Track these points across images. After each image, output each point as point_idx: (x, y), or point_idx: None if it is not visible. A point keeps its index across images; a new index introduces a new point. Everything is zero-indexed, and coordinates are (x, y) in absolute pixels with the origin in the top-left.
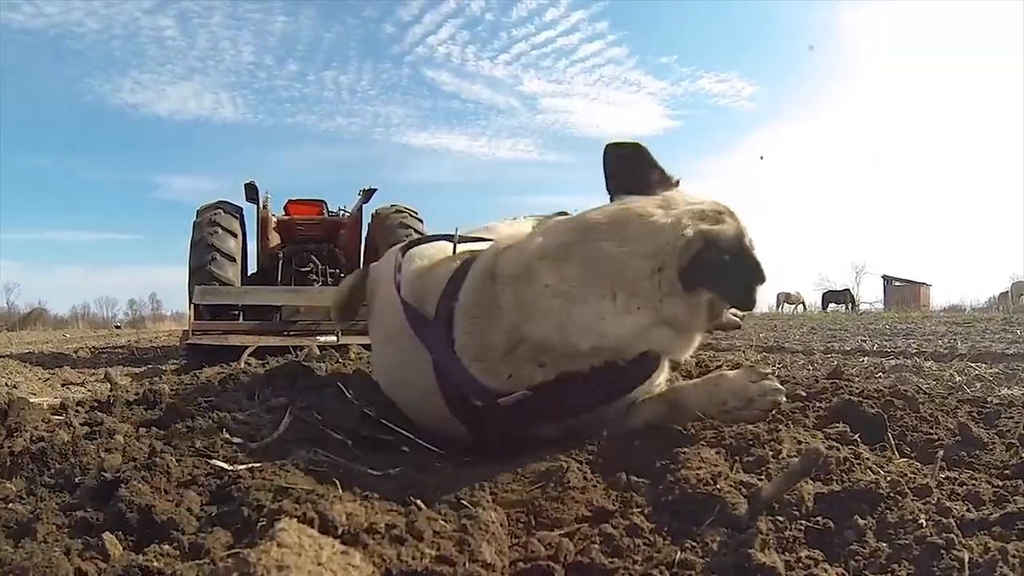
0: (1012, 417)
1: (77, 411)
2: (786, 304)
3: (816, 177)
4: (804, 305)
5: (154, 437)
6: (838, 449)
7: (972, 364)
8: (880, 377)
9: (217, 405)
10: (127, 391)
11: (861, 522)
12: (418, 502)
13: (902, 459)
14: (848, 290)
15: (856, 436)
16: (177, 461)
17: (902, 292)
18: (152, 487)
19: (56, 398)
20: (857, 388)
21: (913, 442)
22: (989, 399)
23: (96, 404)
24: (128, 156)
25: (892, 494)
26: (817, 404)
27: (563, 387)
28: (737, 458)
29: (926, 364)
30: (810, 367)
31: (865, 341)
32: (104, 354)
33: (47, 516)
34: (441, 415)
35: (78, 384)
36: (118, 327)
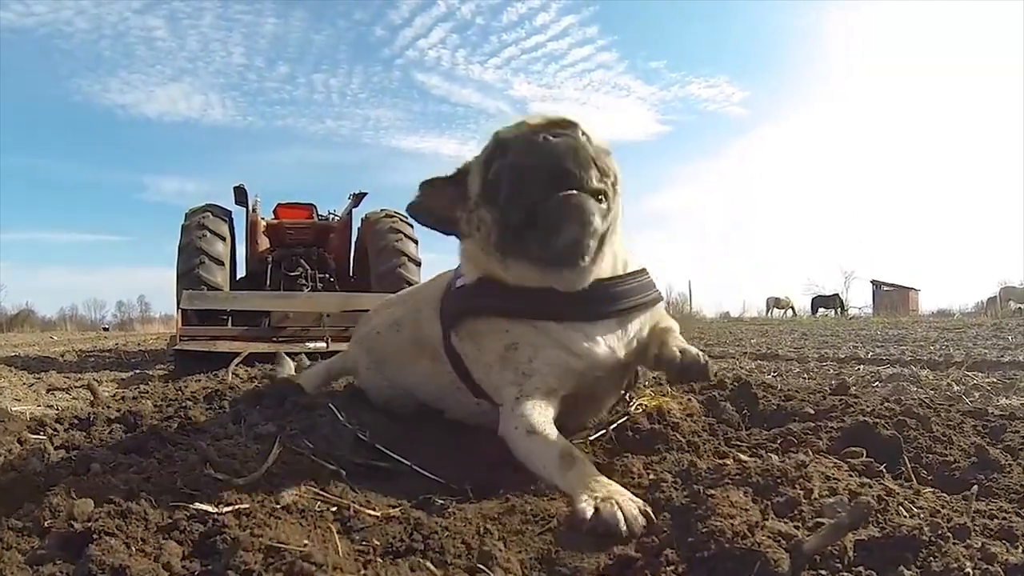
0: (1018, 431)
1: (55, 430)
2: (775, 309)
3: (805, 181)
4: (794, 310)
5: (132, 470)
6: (869, 486)
7: (969, 373)
8: (877, 387)
9: (202, 428)
10: (108, 406)
11: (907, 573)
12: (430, 567)
13: (928, 489)
14: (837, 295)
15: (882, 467)
16: (155, 503)
17: (891, 297)
18: (127, 538)
19: (39, 406)
20: (867, 406)
21: (929, 464)
22: (990, 410)
23: (76, 421)
24: (117, 157)
25: (933, 538)
26: (828, 424)
27: None
28: (767, 501)
29: (922, 373)
30: (806, 376)
31: (858, 348)
32: (91, 358)
33: (11, 570)
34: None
35: (63, 390)
36: (106, 329)
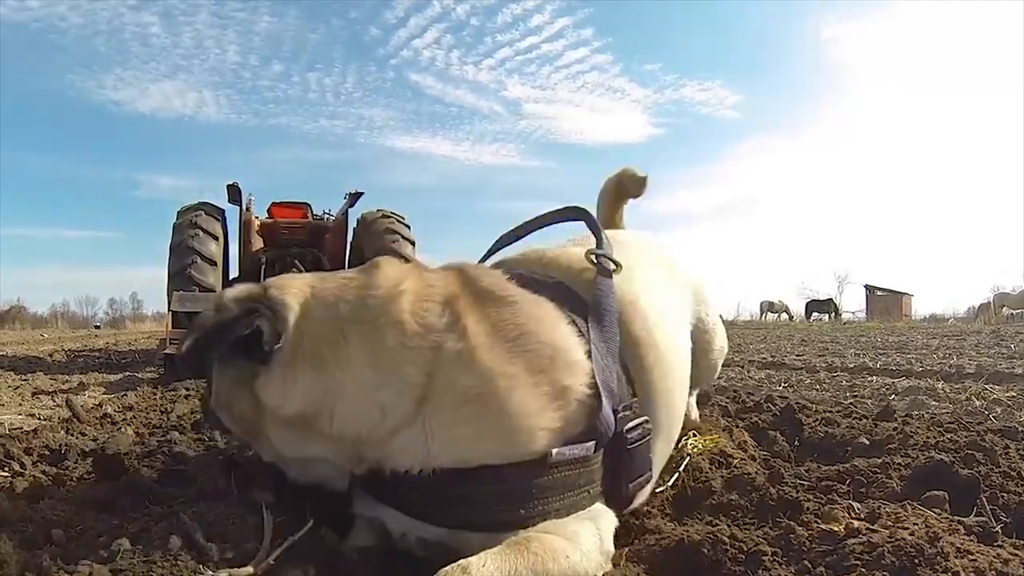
0: None
1: (23, 465)
2: (769, 312)
3: (798, 185)
4: (789, 314)
5: (100, 546)
6: (1005, 560)
7: (987, 387)
8: (894, 400)
9: (189, 477)
10: (84, 433)
11: None
12: None
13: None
14: (831, 299)
15: (998, 528)
16: None
17: (884, 302)
18: None
19: (21, 414)
20: (927, 436)
21: (1006, 505)
22: (1019, 428)
23: (47, 453)
24: (110, 153)
25: None
26: (894, 460)
27: None
28: None
29: (938, 385)
30: (817, 387)
31: (862, 356)
32: (80, 358)
33: None
34: None
35: (49, 394)
36: (97, 327)
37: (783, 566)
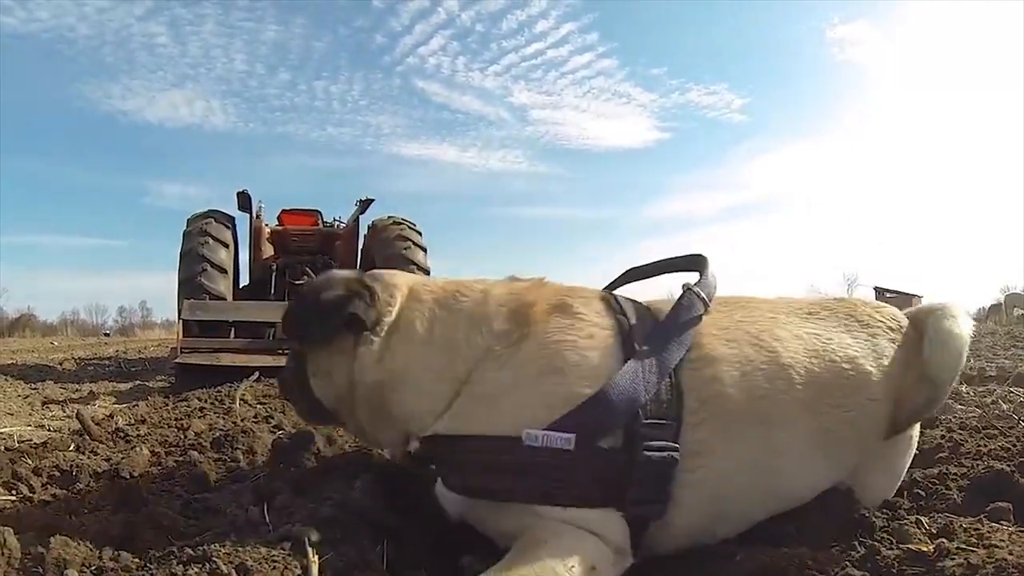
0: None
1: (31, 487)
2: None
3: (805, 187)
4: None
5: None
6: None
7: (1012, 389)
8: None
9: (212, 508)
10: (95, 452)
11: None
12: None
13: None
14: None
15: None
16: None
17: (894, 303)
18: None
19: (30, 425)
20: (980, 446)
21: None
22: None
23: (58, 474)
24: (119, 162)
25: None
26: (949, 470)
27: None
28: None
29: (961, 388)
30: None
31: None
32: (90, 366)
33: None
34: None
35: (59, 403)
36: (107, 335)
37: None
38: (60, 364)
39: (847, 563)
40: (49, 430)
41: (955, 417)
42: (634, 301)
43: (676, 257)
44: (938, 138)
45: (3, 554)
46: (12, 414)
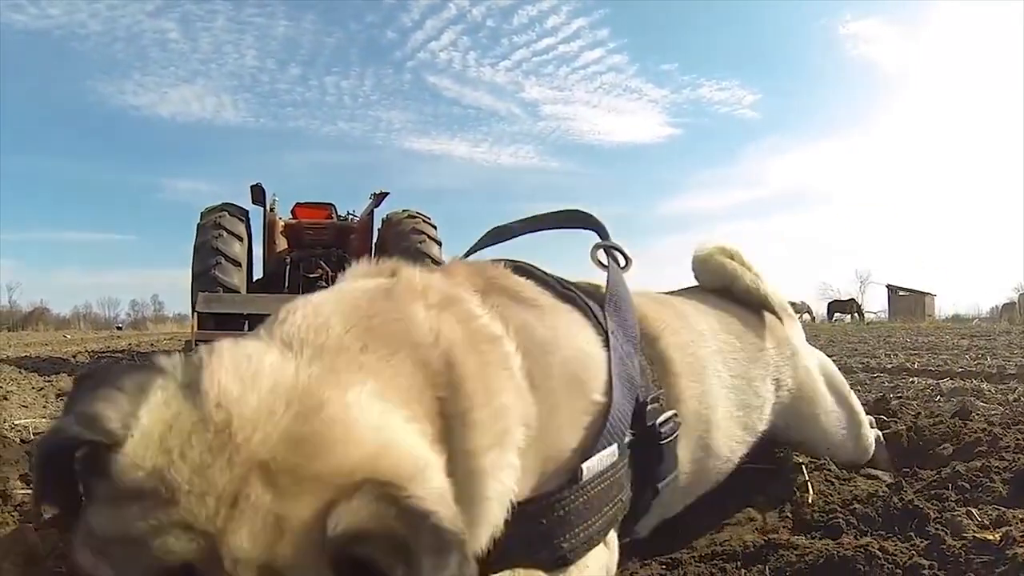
0: None
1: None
2: None
3: (817, 184)
4: (811, 315)
5: None
6: None
7: None
8: (940, 401)
9: None
10: None
11: None
12: None
13: None
14: (854, 300)
15: None
16: None
17: (907, 302)
18: None
19: (45, 418)
20: (1020, 440)
21: None
22: None
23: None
24: (131, 158)
25: None
26: (991, 463)
27: None
28: None
29: (983, 386)
30: (859, 388)
31: (892, 356)
32: (104, 359)
33: None
34: None
35: None
36: (119, 328)
37: None
38: (74, 357)
39: (913, 553)
40: None
41: (979, 414)
42: (546, 273)
43: (552, 212)
44: (953, 135)
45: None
46: (26, 406)
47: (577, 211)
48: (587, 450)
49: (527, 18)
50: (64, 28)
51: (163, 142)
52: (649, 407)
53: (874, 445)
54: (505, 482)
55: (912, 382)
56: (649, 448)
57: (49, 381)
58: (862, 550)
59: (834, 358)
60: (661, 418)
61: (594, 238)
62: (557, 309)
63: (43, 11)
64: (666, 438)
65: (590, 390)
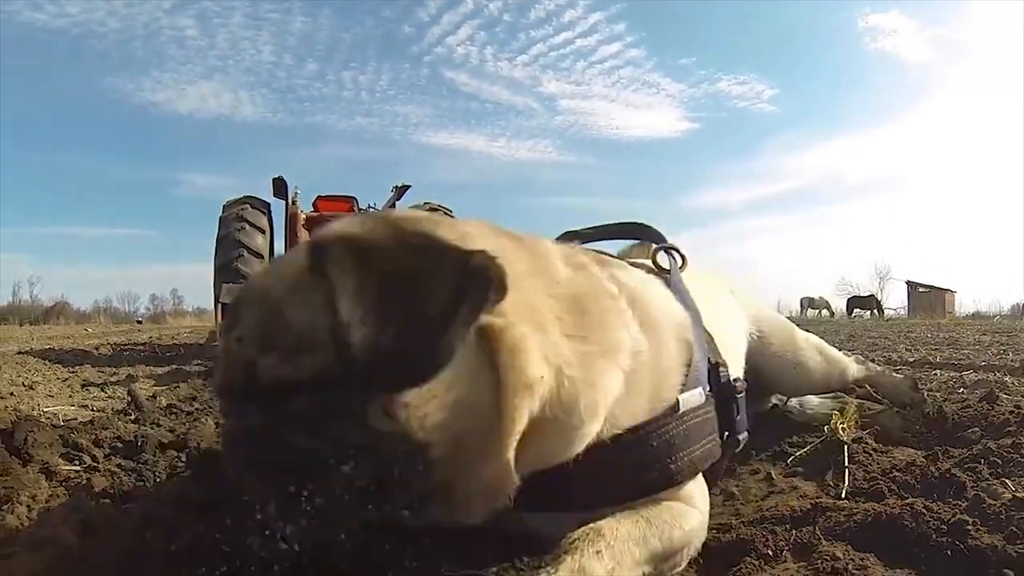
0: None
1: (95, 457)
2: (810, 309)
3: (837, 179)
4: (830, 310)
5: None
6: None
7: None
8: (964, 392)
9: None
10: (157, 423)
11: None
12: None
13: None
14: (874, 296)
15: None
16: None
17: (927, 298)
18: None
19: (73, 405)
20: None
21: None
22: None
23: (120, 446)
24: (149, 154)
25: None
26: (1020, 439)
27: None
28: None
29: (1006, 379)
30: None
31: (914, 351)
32: (126, 351)
33: None
34: None
35: (98, 386)
36: (139, 322)
37: (989, 535)
38: (96, 349)
39: (956, 511)
40: (93, 410)
41: (1008, 397)
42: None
43: (620, 223)
44: (975, 130)
45: (82, 516)
46: (52, 396)
47: (641, 224)
48: (683, 387)
49: (544, 12)
50: (82, 26)
51: (181, 138)
52: (720, 368)
53: (862, 369)
54: (608, 388)
55: (935, 375)
56: (727, 402)
57: (73, 372)
58: (908, 508)
59: (856, 352)
60: (732, 376)
61: None
62: (649, 279)
63: (61, 9)
64: (740, 392)
65: (681, 339)
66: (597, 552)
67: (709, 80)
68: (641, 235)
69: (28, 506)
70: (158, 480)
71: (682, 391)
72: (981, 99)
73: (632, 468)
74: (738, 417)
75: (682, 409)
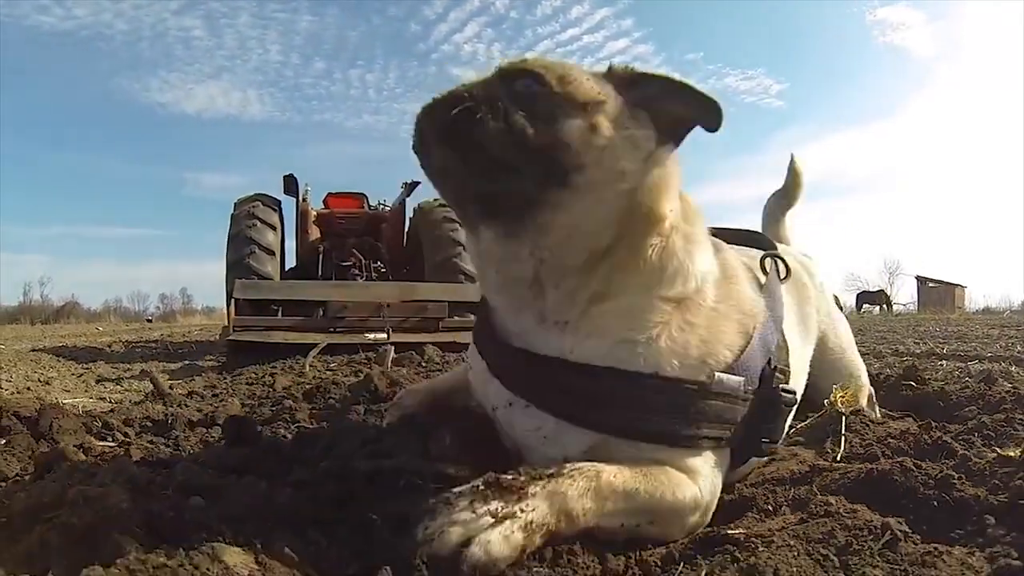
0: None
1: (126, 434)
2: None
3: (846, 174)
4: (840, 306)
5: (254, 509)
6: None
7: None
8: (968, 380)
9: (327, 444)
10: (184, 404)
11: None
12: None
13: None
14: (883, 291)
15: None
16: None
17: (937, 293)
18: None
19: (91, 398)
20: None
21: None
22: None
23: (150, 424)
24: (158, 153)
25: None
26: (1015, 416)
27: None
28: None
29: (1012, 369)
30: (888, 371)
31: (922, 343)
32: (138, 348)
33: None
34: None
35: (113, 381)
36: (150, 321)
37: (974, 487)
38: (109, 347)
39: (943, 468)
40: (111, 402)
41: (1006, 380)
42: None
43: (732, 228)
44: (985, 124)
45: (126, 482)
46: (68, 391)
47: (755, 232)
48: (727, 365)
49: (551, 9)
50: (90, 28)
51: (190, 138)
52: (776, 374)
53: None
54: (699, 265)
55: (941, 364)
56: (771, 405)
57: (87, 368)
58: (898, 465)
59: (863, 345)
60: (784, 387)
61: None
62: (745, 269)
63: (69, 12)
64: (785, 405)
65: (743, 327)
66: (587, 490)
67: (717, 75)
68: (755, 244)
69: (69, 472)
70: (194, 451)
71: (725, 369)
72: (992, 92)
73: (648, 405)
74: (773, 425)
75: (713, 385)
